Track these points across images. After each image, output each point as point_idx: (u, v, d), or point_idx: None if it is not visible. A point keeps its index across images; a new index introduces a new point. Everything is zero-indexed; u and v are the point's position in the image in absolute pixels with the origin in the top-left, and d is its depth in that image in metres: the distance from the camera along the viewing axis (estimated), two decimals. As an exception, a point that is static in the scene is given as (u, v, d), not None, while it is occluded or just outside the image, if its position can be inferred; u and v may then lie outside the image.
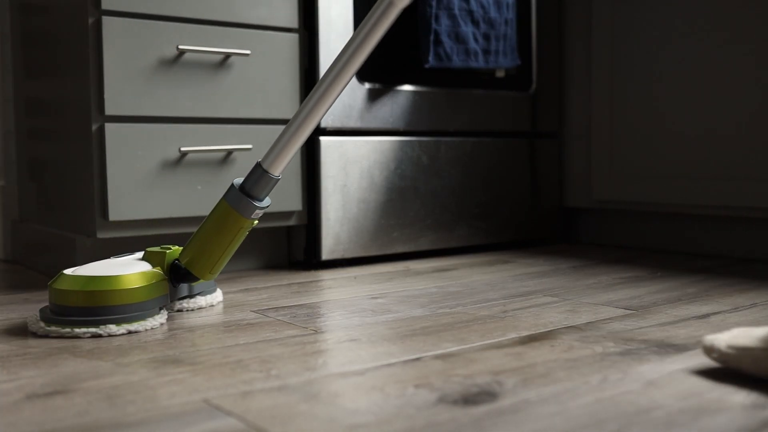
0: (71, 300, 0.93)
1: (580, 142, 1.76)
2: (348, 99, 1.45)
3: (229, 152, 1.34)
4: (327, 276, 1.37)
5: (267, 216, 1.40)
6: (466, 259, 1.55)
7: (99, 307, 0.92)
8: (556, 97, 1.77)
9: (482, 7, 1.53)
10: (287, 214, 1.43)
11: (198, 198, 1.31)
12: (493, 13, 1.55)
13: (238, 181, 0.99)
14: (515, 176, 1.71)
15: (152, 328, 0.96)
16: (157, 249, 1.01)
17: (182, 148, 1.28)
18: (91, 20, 1.22)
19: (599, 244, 1.79)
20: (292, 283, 1.29)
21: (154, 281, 0.97)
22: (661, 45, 1.57)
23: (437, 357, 0.81)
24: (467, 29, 1.52)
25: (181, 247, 1.03)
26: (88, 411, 0.65)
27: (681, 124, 1.55)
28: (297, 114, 0.97)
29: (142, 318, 0.95)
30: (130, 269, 0.96)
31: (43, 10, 1.41)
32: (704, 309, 1.04)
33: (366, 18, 0.94)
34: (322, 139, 1.42)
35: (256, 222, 0.99)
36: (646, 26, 1.60)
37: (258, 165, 0.97)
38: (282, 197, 1.40)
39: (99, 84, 1.23)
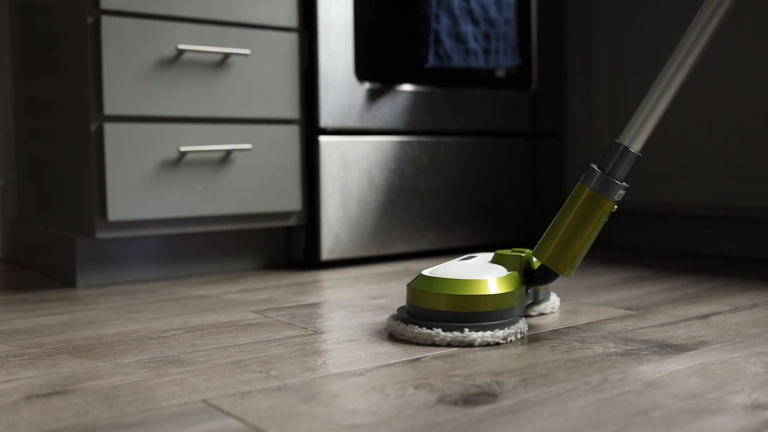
0: (437, 304, 0.87)
1: (580, 142, 1.76)
2: (348, 99, 1.45)
3: (229, 152, 1.34)
4: (327, 276, 1.37)
5: (266, 216, 1.40)
6: (466, 259, 1.55)
7: (468, 312, 0.87)
8: (556, 97, 1.77)
9: (482, 6, 1.53)
10: (287, 214, 1.43)
11: (197, 198, 1.31)
12: (493, 12, 1.55)
13: (594, 166, 0.92)
14: (515, 176, 1.70)
15: (518, 338, 0.89)
16: (509, 252, 0.94)
17: (181, 148, 1.28)
18: (90, 20, 1.22)
19: (599, 244, 1.79)
20: (292, 284, 1.29)
21: (518, 287, 0.90)
22: (661, 45, 1.57)
23: (437, 357, 0.81)
24: (467, 29, 1.51)
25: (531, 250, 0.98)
26: (87, 411, 0.65)
27: (681, 124, 1.55)
28: (653, 87, 0.91)
29: (509, 326, 0.88)
30: (493, 273, 0.90)
31: (43, 10, 1.41)
32: (705, 309, 1.04)
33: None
34: (322, 139, 1.42)
35: (616, 207, 0.92)
36: (646, 26, 1.60)
37: (617, 143, 0.91)
38: (281, 197, 1.40)
39: (98, 84, 1.22)
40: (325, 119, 1.42)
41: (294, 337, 0.91)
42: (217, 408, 0.66)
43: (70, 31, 1.28)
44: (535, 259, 0.96)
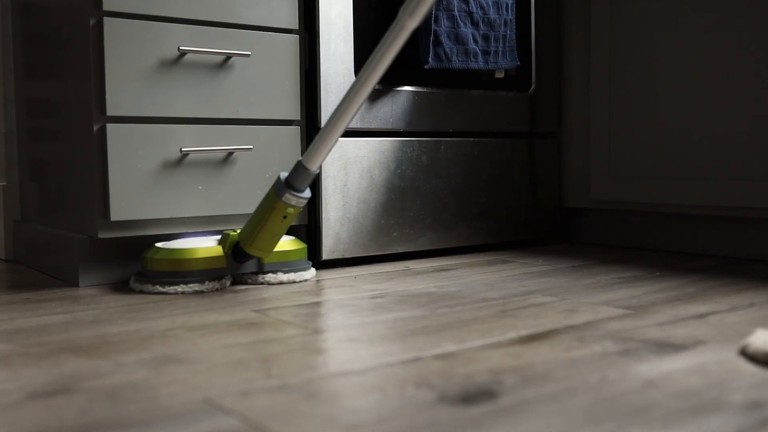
0: (159, 266, 1.21)
1: (579, 143, 1.76)
2: (348, 99, 1.45)
3: (230, 152, 1.34)
4: (327, 276, 1.37)
5: (267, 216, 1.41)
6: (466, 259, 1.55)
7: (178, 271, 1.21)
8: (555, 97, 1.78)
9: (482, 8, 1.54)
10: (287, 214, 1.43)
11: (199, 198, 1.31)
12: (492, 14, 1.55)
13: (284, 174, 1.21)
14: (515, 176, 1.71)
15: (214, 290, 1.22)
16: (231, 231, 1.25)
17: (183, 149, 1.28)
18: (92, 21, 1.22)
19: (598, 244, 1.79)
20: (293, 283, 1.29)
21: (215, 255, 1.23)
22: (661, 45, 1.58)
23: (437, 357, 0.82)
24: (467, 30, 1.52)
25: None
26: (89, 410, 0.66)
27: (680, 124, 1.55)
28: (331, 116, 1.17)
29: (207, 281, 1.22)
30: (201, 245, 1.23)
31: (45, 11, 1.41)
32: (703, 309, 1.05)
33: (381, 41, 1.10)
34: (323, 139, 1.42)
35: (291, 210, 1.19)
36: (645, 27, 1.60)
37: (299, 162, 1.18)
38: (282, 197, 1.40)
39: (100, 84, 1.23)
40: (326, 120, 1.43)
41: (295, 336, 0.92)
42: (218, 407, 0.66)
43: (73, 33, 1.29)
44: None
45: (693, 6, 1.52)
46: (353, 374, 0.76)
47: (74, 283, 1.30)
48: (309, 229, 1.46)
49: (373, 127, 1.49)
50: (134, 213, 1.26)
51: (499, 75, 1.65)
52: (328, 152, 1.18)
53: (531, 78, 1.73)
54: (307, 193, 1.20)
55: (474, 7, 1.52)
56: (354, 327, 0.96)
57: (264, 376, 0.75)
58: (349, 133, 1.48)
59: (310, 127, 1.44)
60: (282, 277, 1.29)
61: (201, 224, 1.34)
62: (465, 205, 1.63)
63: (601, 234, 1.79)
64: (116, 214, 1.24)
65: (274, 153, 1.39)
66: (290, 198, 1.18)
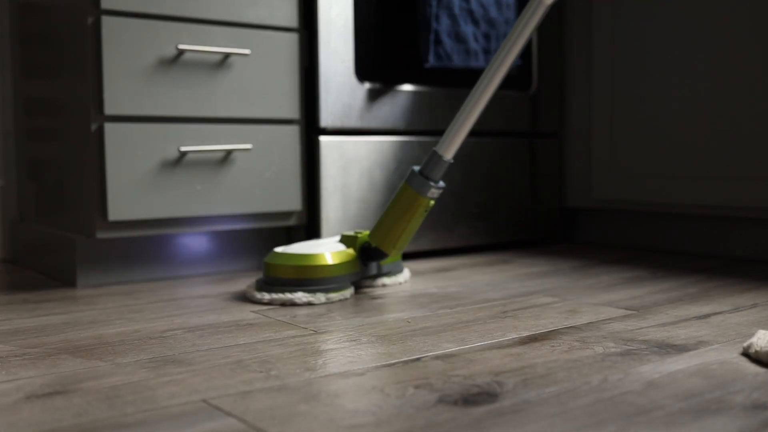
0: (283, 273, 1.12)
1: (580, 142, 1.76)
2: (348, 99, 1.45)
3: (229, 152, 1.34)
4: (327, 276, 1.37)
5: (267, 216, 1.40)
6: (466, 259, 1.55)
7: (306, 279, 1.11)
8: (556, 97, 1.77)
9: (482, 6, 1.53)
10: (287, 214, 1.43)
11: (198, 198, 1.31)
12: (493, 12, 1.55)
13: (417, 168, 1.17)
14: (515, 176, 1.70)
15: (343, 299, 1.13)
16: (351, 233, 1.19)
17: (182, 148, 1.28)
18: (90, 20, 1.22)
19: (599, 244, 1.79)
20: (292, 283, 1.29)
21: (348, 260, 1.15)
22: (662, 45, 1.57)
23: (437, 357, 0.81)
24: (467, 29, 1.51)
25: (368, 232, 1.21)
26: (87, 411, 0.65)
27: (682, 123, 1.55)
28: (464, 104, 1.15)
29: (337, 290, 1.13)
30: (330, 249, 1.15)
31: (43, 10, 1.41)
32: (705, 309, 1.04)
33: (519, 18, 1.12)
34: (322, 139, 1.42)
35: (432, 202, 1.16)
36: (647, 26, 1.60)
37: (433, 151, 1.15)
38: (281, 197, 1.40)
39: (98, 84, 1.22)
40: (326, 119, 1.42)
41: (294, 337, 0.91)
42: (217, 408, 0.66)
43: (71, 31, 1.28)
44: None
45: (694, 6, 1.52)
46: (353, 375, 0.75)
47: (72, 284, 1.29)
48: (309, 229, 1.46)
49: (373, 126, 1.48)
50: (133, 213, 1.25)
51: (500, 74, 1.65)
52: (463, 140, 1.15)
53: (532, 77, 1.72)
54: (442, 183, 1.17)
55: (475, 6, 1.52)
56: (354, 327, 0.96)
57: (263, 377, 0.75)
58: (349, 133, 1.47)
59: (309, 126, 1.44)
60: (397, 278, 1.26)
61: (200, 224, 1.34)
62: (465, 205, 1.62)
63: (603, 234, 1.79)
64: (114, 214, 1.24)
65: (273, 152, 1.39)
66: (434, 192, 1.15)
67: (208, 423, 0.62)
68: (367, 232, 1.20)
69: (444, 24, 1.49)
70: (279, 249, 1.16)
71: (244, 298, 1.16)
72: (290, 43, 1.39)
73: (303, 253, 1.12)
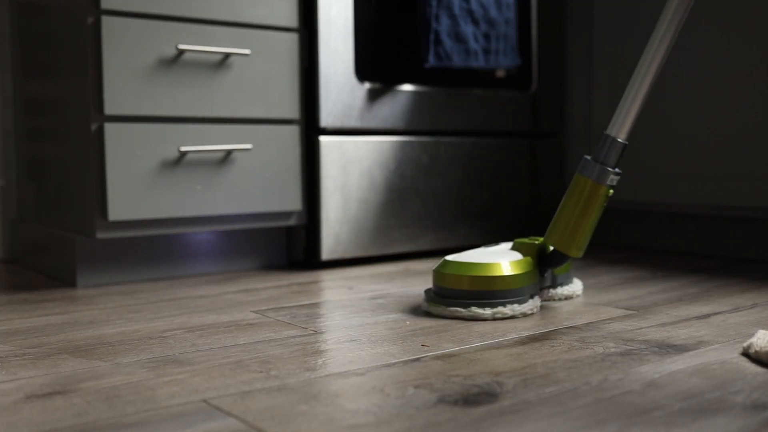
0: (456, 284, 1.02)
1: (580, 142, 1.76)
2: (348, 99, 1.45)
3: (229, 152, 1.34)
4: (327, 276, 1.37)
5: (267, 216, 1.40)
6: (466, 259, 1.55)
7: (483, 291, 1.01)
8: (556, 96, 1.77)
9: (482, 6, 1.53)
10: (287, 214, 1.43)
11: (198, 198, 1.31)
12: (493, 12, 1.55)
13: (588, 157, 1.03)
14: (515, 176, 1.70)
15: (530, 312, 1.03)
16: (526, 240, 1.08)
17: (182, 148, 1.28)
18: (90, 20, 1.22)
19: (600, 244, 1.79)
20: (292, 283, 1.29)
21: (528, 270, 1.03)
22: (662, 45, 1.57)
23: (437, 357, 0.81)
24: (467, 29, 1.51)
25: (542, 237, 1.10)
26: (87, 411, 0.65)
27: (681, 124, 1.55)
28: (632, 80, 1.01)
29: (519, 303, 1.02)
30: (507, 258, 1.04)
31: (43, 10, 1.41)
32: (705, 309, 1.04)
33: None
34: (322, 139, 1.42)
35: (611, 191, 1.02)
36: (647, 26, 1.60)
37: (605, 134, 1.02)
38: (282, 197, 1.40)
39: (98, 84, 1.22)
40: (325, 119, 1.42)
41: (294, 336, 0.91)
42: (217, 408, 0.66)
43: (71, 31, 1.28)
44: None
45: (694, 5, 1.52)
46: (353, 375, 0.75)
47: (72, 284, 1.29)
48: (309, 229, 1.46)
49: (373, 126, 1.48)
50: (132, 213, 1.25)
51: (500, 74, 1.65)
52: (636, 117, 1.02)
53: (532, 77, 1.72)
54: (618, 169, 1.03)
55: (475, 6, 1.52)
56: (354, 327, 0.96)
57: (263, 377, 0.75)
58: (349, 133, 1.47)
59: (309, 126, 1.44)
60: (573, 289, 1.13)
61: (200, 224, 1.34)
62: (465, 204, 1.62)
63: (603, 234, 1.79)
64: (114, 214, 1.24)
65: (273, 152, 1.39)
66: (614, 178, 1.01)
67: (208, 423, 0.62)
68: (542, 239, 1.08)
69: (444, 24, 1.49)
70: (450, 257, 1.06)
71: (245, 299, 1.16)
72: (290, 43, 1.39)
73: (483, 263, 1.03)
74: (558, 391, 0.70)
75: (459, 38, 1.51)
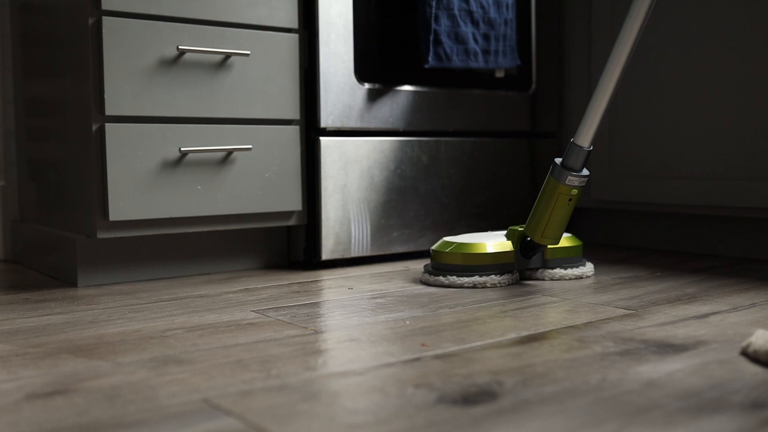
0: (452, 260, 1.25)
1: (580, 142, 1.76)
2: (348, 99, 1.45)
3: (229, 152, 1.34)
4: (327, 276, 1.37)
5: (267, 216, 1.41)
6: (466, 259, 1.55)
7: (472, 265, 1.24)
8: (555, 97, 1.77)
9: (482, 7, 1.53)
10: (287, 214, 1.43)
11: (198, 198, 1.31)
12: (492, 13, 1.55)
13: (559, 160, 1.21)
14: (515, 176, 1.71)
15: (505, 284, 1.24)
16: (516, 227, 1.27)
17: (182, 148, 1.28)
18: (91, 20, 1.22)
19: (599, 244, 1.79)
20: (292, 283, 1.29)
21: (509, 250, 1.26)
22: (661, 45, 1.58)
23: (437, 357, 0.82)
24: (467, 29, 1.52)
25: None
26: (88, 411, 0.66)
27: (681, 124, 1.55)
28: (594, 92, 1.16)
29: (498, 274, 1.24)
30: (492, 240, 1.26)
31: (43, 10, 1.41)
32: (704, 309, 1.04)
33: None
34: (322, 139, 1.42)
35: (575, 191, 1.19)
36: (646, 26, 1.60)
37: (571, 142, 1.18)
38: (282, 197, 1.40)
39: (99, 84, 1.23)
40: (326, 120, 1.42)
41: (294, 336, 0.92)
42: (217, 407, 0.66)
43: (72, 32, 1.29)
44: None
45: (694, 5, 1.52)
46: (353, 374, 0.75)
47: (73, 284, 1.30)
48: (309, 229, 1.46)
49: (373, 126, 1.49)
50: (133, 213, 1.25)
51: (500, 74, 1.65)
52: (598, 126, 1.17)
53: (531, 77, 1.72)
54: (586, 171, 1.20)
55: (474, 7, 1.52)
56: (354, 327, 0.96)
57: (263, 376, 0.75)
58: (349, 133, 1.48)
59: (309, 126, 1.44)
60: (564, 272, 1.29)
61: (200, 224, 1.34)
62: (465, 205, 1.62)
63: (602, 234, 1.79)
64: (115, 214, 1.24)
65: (274, 153, 1.39)
66: (573, 179, 1.18)
67: (208, 422, 0.63)
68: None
69: (444, 24, 1.49)
70: (448, 238, 1.29)
71: (245, 299, 1.16)
72: (290, 43, 1.40)
73: (467, 242, 1.25)
74: (557, 390, 0.70)
75: (459, 39, 1.51)
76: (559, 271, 1.29)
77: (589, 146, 1.17)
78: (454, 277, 1.23)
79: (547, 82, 1.75)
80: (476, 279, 1.22)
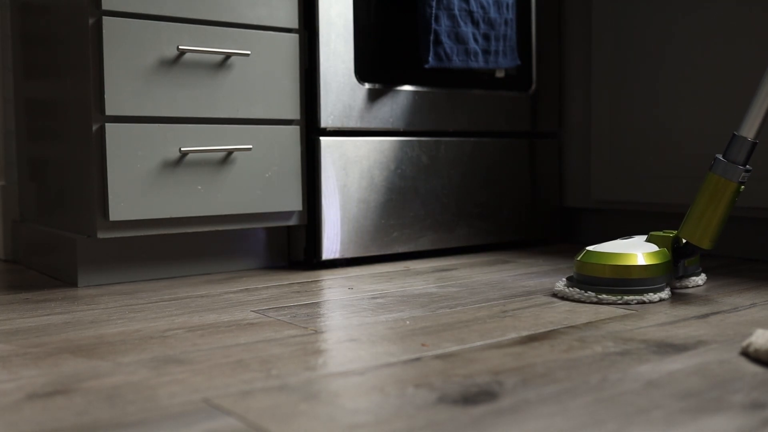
0: (598, 272, 1.11)
1: (580, 142, 1.76)
2: (348, 99, 1.45)
3: (230, 152, 1.34)
4: (327, 276, 1.37)
5: (267, 216, 1.41)
6: (466, 259, 1.55)
7: (622, 279, 1.10)
8: (555, 97, 1.77)
9: (482, 7, 1.53)
10: (287, 214, 1.43)
11: (198, 198, 1.31)
12: (492, 13, 1.55)
13: (719, 156, 1.11)
14: (515, 176, 1.71)
15: (660, 300, 1.10)
16: (660, 233, 1.17)
17: (182, 149, 1.28)
18: (91, 20, 1.22)
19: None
20: (292, 283, 1.29)
21: (665, 260, 1.12)
22: (661, 45, 1.58)
23: (437, 357, 0.82)
24: (467, 29, 1.52)
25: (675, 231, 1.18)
26: (88, 411, 0.66)
27: (681, 123, 1.55)
28: (762, 81, 1.07)
29: (653, 291, 1.10)
30: (644, 249, 1.12)
31: (44, 11, 1.41)
32: (704, 309, 1.04)
33: None
34: (322, 139, 1.42)
35: (743, 187, 1.11)
36: (646, 26, 1.60)
37: (735, 134, 1.09)
38: (282, 197, 1.40)
39: (99, 84, 1.23)
40: (326, 120, 1.43)
41: (294, 336, 0.92)
42: (217, 407, 0.66)
43: (72, 32, 1.29)
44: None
45: (694, 6, 1.52)
46: (353, 374, 0.75)
47: (73, 284, 1.30)
48: (309, 229, 1.46)
49: (373, 126, 1.49)
50: (133, 213, 1.25)
51: (500, 74, 1.65)
52: (764, 117, 1.08)
53: (531, 77, 1.72)
54: (749, 166, 1.11)
55: (474, 7, 1.52)
56: (354, 327, 0.96)
57: (264, 376, 0.75)
58: (349, 133, 1.48)
59: (309, 126, 1.44)
60: (698, 278, 1.22)
61: (201, 224, 1.34)
62: (465, 205, 1.62)
63: (602, 234, 1.79)
64: (115, 214, 1.24)
65: (274, 153, 1.39)
66: (745, 176, 1.09)
67: (208, 422, 0.63)
68: (675, 232, 1.16)
69: (444, 24, 1.49)
70: (591, 248, 1.16)
71: (245, 299, 1.16)
72: (290, 43, 1.40)
73: (619, 253, 1.12)
74: (557, 390, 0.70)
75: (459, 39, 1.51)
76: (696, 279, 1.22)
77: (755, 138, 1.08)
78: (604, 294, 1.09)
79: (548, 82, 1.75)
80: (639, 296, 1.09)
